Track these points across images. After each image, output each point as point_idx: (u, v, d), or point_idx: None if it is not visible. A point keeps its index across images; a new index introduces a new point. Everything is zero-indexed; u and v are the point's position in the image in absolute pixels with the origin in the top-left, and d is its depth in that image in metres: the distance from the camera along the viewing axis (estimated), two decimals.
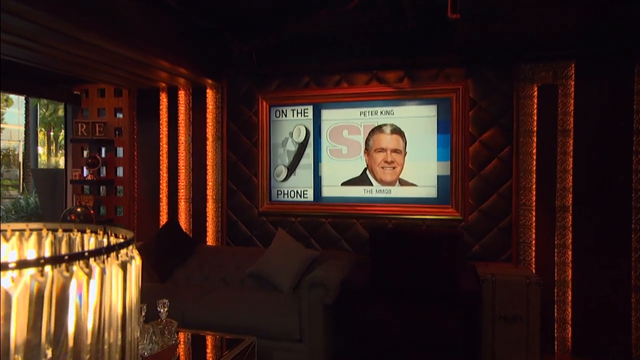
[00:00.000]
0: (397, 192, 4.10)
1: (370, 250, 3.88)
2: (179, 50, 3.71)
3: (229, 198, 4.48)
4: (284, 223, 4.33)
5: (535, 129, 3.79)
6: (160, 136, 4.61)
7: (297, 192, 4.32)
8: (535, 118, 3.78)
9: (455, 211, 3.98)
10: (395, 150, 4.10)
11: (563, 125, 3.75)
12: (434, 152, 4.01)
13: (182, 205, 4.54)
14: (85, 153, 4.75)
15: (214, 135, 4.46)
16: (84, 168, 4.66)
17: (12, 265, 0.65)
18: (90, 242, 1.02)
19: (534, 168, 3.79)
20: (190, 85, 4.46)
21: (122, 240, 0.90)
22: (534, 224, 3.80)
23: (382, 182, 4.12)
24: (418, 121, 4.05)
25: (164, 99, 4.59)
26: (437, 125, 4.00)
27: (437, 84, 3.99)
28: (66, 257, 0.70)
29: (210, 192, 4.47)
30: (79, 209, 4.29)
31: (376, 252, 3.82)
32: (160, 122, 4.60)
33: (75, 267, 0.71)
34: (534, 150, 3.80)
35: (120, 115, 4.75)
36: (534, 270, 3.79)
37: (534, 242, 3.81)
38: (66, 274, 0.70)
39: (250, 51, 4.07)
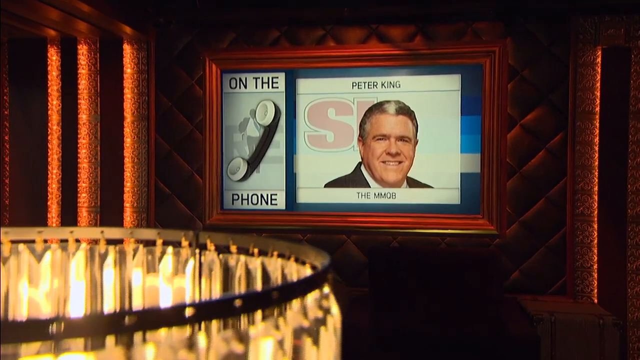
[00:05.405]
0: (405, 196, 3.87)
1: (370, 281, 3.66)
2: None
3: (159, 206, 4.16)
4: None
5: (598, 109, 3.59)
6: (49, 113, 4.18)
7: (261, 196, 4.04)
8: (598, 94, 3.58)
9: (488, 223, 3.75)
10: (401, 138, 3.86)
11: (637, 104, 3.55)
12: (457, 141, 3.79)
13: (84, 217, 4.15)
14: None
15: (136, 112, 4.11)
16: None
17: (188, 312, 0.49)
18: (189, 263, 0.92)
19: (596, 164, 3.59)
20: (98, 35, 4.06)
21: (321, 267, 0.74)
22: (595, 242, 3.60)
23: (383, 183, 3.90)
24: (434, 97, 3.81)
25: (54, 56, 4.17)
26: (462, 104, 3.77)
27: (463, 44, 3.74)
28: (275, 296, 0.56)
29: (129, 198, 4.12)
30: None
31: (378, 283, 3.62)
32: (49, 91, 4.17)
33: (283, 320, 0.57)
34: (596, 139, 3.59)
35: None
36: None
37: (595, 266, 3.60)
38: (276, 333, 0.55)
39: None
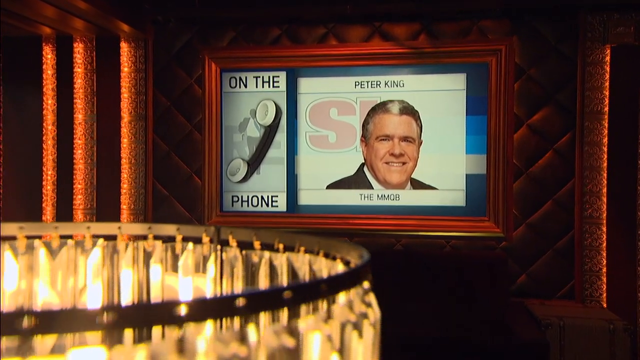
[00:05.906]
0: (409, 198, 3.86)
1: (373, 283, 3.52)
2: None
3: (157, 208, 4.14)
4: None
5: (607, 108, 3.56)
6: (44, 112, 4.18)
7: (262, 198, 4.03)
8: (607, 93, 3.56)
9: (494, 226, 3.74)
10: (405, 139, 3.85)
11: None
12: (462, 142, 3.78)
13: (80, 219, 4.14)
14: None
15: (133, 112, 4.10)
16: None
17: (240, 303, 0.47)
18: (208, 260, 0.90)
19: (605, 165, 3.58)
20: (94, 33, 4.05)
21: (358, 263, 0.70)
22: (604, 245, 3.57)
23: (386, 184, 3.89)
24: (439, 97, 3.81)
25: (49, 54, 4.17)
26: (467, 103, 3.77)
27: (469, 43, 3.74)
28: (323, 289, 0.53)
29: (125, 200, 4.10)
30: None
31: (381, 286, 3.45)
32: (44, 90, 4.17)
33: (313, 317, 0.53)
34: (605, 140, 3.57)
35: None
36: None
37: (604, 270, 3.57)
38: (324, 327, 0.53)
39: None
